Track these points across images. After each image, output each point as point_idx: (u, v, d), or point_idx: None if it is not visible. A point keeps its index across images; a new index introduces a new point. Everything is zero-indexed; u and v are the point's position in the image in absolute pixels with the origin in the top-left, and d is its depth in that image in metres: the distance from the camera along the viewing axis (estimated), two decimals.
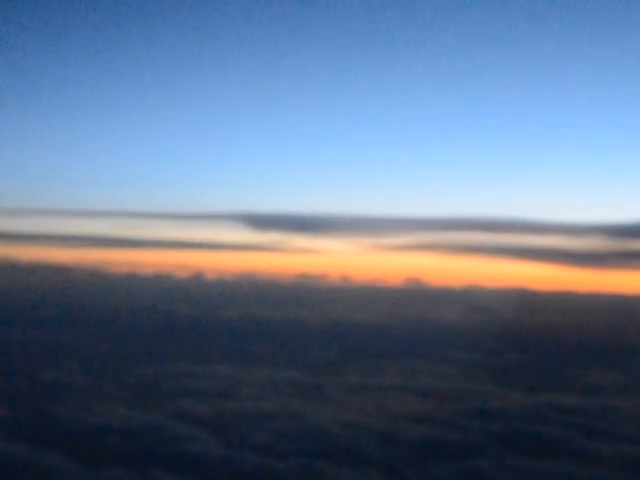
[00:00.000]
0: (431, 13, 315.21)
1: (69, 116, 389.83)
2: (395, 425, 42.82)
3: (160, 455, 35.82)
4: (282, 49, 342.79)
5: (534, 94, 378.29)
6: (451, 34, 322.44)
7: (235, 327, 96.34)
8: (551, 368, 70.86)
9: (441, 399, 51.70)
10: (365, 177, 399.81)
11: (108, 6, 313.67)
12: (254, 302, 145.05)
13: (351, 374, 61.21)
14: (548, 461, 36.97)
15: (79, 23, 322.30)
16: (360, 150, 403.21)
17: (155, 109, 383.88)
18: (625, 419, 47.31)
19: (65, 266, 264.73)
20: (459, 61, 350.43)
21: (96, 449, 36.41)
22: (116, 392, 49.35)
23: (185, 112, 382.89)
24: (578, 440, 41.42)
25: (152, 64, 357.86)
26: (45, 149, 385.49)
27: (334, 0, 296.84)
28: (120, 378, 54.44)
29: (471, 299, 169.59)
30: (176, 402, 46.38)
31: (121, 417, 41.67)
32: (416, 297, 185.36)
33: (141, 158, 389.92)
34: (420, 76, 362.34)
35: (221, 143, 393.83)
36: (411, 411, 47.19)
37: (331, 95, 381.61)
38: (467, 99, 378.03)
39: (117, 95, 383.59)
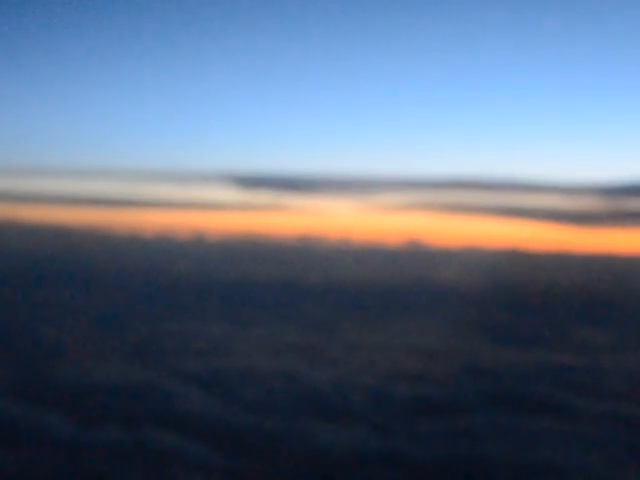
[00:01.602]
0: None
1: (64, 76, 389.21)
2: (387, 383, 43.31)
3: (153, 412, 36.27)
4: (272, 10, 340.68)
5: (528, 54, 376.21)
6: None
7: (234, 287, 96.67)
8: (544, 326, 71.31)
9: (434, 357, 52.17)
10: (358, 136, 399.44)
11: None
12: (254, 262, 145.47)
13: (346, 333, 61.65)
14: (537, 418, 37.46)
15: None
16: (351, 109, 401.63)
17: (144, 71, 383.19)
18: (615, 376, 47.86)
19: (66, 226, 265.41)
20: (455, 20, 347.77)
21: (90, 407, 36.85)
22: (114, 351, 49.80)
23: (172, 71, 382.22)
24: (568, 397, 41.94)
25: (145, 22, 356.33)
26: (41, 109, 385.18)
27: None
28: (119, 337, 54.84)
29: (467, 259, 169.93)
30: (171, 360, 46.86)
31: (117, 375, 42.19)
32: (414, 257, 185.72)
33: (116, 115, 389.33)
34: (413, 34, 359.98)
35: (204, 100, 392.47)
36: (403, 369, 47.65)
37: (322, 51, 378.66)
38: (461, 59, 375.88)
39: (112, 56, 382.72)
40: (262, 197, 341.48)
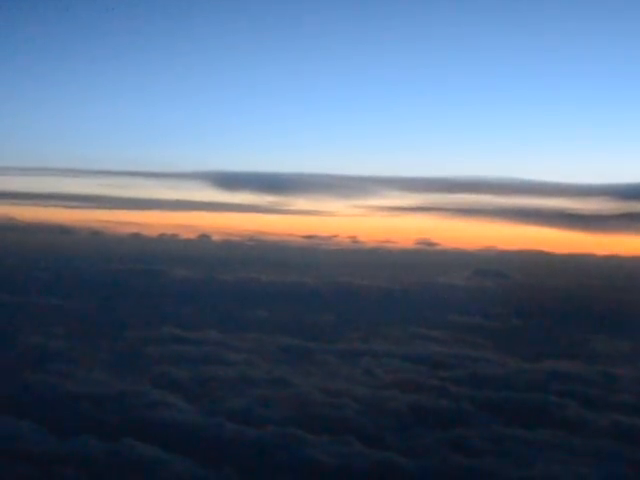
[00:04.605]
0: None
1: (55, 81, 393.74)
2: (383, 393, 41.46)
3: (134, 422, 34.73)
4: (256, 11, 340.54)
5: (537, 55, 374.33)
6: None
7: (234, 290, 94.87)
8: (554, 334, 69.27)
9: (435, 366, 50.21)
10: (364, 137, 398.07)
11: None
12: (251, 265, 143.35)
13: (346, 340, 59.82)
14: (538, 431, 35.50)
15: None
16: (360, 110, 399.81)
17: (127, 72, 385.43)
18: (624, 388, 45.80)
19: (66, 226, 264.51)
20: (461, 20, 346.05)
21: (70, 416, 35.39)
22: (100, 357, 48.29)
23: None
24: (573, 409, 40.00)
25: (130, 25, 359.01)
26: (23, 109, 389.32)
27: None
28: (106, 343, 53.32)
29: (477, 262, 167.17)
30: (159, 368, 45.24)
31: (100, 383, 40.61)
32: (423, 261, 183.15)
33: (99, 115, 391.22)
34: (420, 34, 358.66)
35: (195, 100, 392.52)
36: (402, 378, 45.81)
37: (319, 49, 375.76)
38: (470, 60, 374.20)
39: (93, 57, 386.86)
40: (241, 197, 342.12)
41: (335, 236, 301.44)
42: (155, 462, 30.10)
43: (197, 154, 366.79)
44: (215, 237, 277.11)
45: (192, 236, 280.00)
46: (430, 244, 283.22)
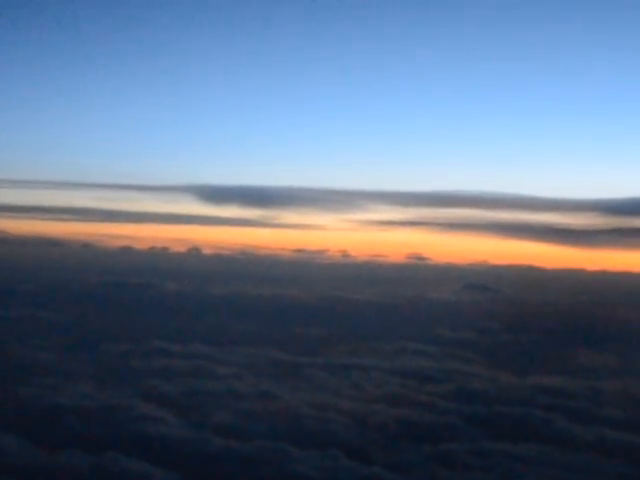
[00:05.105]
0: None
1: (45, 94, 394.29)
2: (370, 407, 41.42)
3: (120, 436, 34.59)
4: (245, 23, 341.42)
5: (529, 71, 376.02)
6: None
7: (224, 304, 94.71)
8: (543, 349, 69.30)
9: (423, 380, 50.20)
10: (354, 151, 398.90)
11: None
12: (245, 278, 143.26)
13: (334, 354, 59.68)
14: (526, 446, 35.52)
15: None
16: (345, 123, 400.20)
17: (113, 83, 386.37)
18: (612, 402, 45.85)
19: (54, 239, 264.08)
20: (453, 31, 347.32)
21: (54, 430, 35.24)
22: (85, 370, 48.16)
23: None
24: (561, 424, 40.00)
25: (122, 39, 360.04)
26: (27, 123, 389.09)
27: None
28: (93, 356, 53.24)
29: (467, 277, 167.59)
30: (145, 381, 45.02)
31: (87, 396, 40.46)
32: (413, 275, 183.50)
33: (86, 127, 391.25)
34: (411, 47, 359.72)
35: (183, 112, 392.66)
36: (390, 393, 45.77)
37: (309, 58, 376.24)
38: (462, 74, 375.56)
39: (91, 79, 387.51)
40: (249, 211, 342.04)
41: (325, 250, 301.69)
42: (142, 476, 30.00)
43: (186, 167, 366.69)
44: (205, 250, 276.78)
45: (182, 249, 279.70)
46: (421, 258, 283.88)
